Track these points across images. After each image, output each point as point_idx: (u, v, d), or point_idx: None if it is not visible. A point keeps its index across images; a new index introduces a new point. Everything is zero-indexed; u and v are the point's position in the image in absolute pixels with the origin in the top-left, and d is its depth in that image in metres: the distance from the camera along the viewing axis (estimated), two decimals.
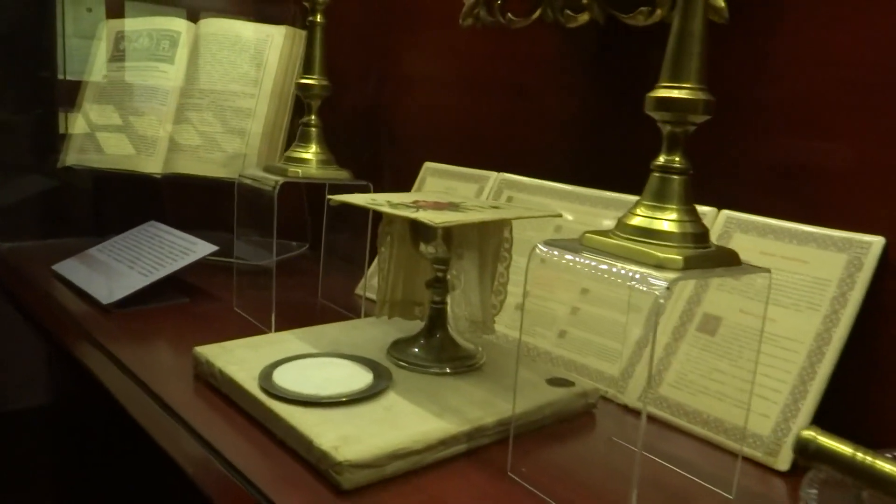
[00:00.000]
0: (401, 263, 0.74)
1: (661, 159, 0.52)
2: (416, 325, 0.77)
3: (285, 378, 0.64)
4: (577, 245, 0.53)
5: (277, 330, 0.83)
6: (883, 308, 0.63)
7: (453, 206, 0.69)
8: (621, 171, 0.87)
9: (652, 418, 0.69)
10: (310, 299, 1.02)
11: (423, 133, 1.14)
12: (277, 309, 0.88)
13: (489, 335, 0.70)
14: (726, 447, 0.64)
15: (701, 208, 0.74)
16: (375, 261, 1.04)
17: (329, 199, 0.71)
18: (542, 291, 0.84)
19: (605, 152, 0.90)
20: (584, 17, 0.78)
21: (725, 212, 0.74)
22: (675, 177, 0.51)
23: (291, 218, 1.31)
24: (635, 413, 0.70)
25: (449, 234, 0.68)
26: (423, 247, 0.70)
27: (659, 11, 0.72)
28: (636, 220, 0.52)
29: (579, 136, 0.92)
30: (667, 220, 0.51)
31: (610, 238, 0.52)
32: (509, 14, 0.85)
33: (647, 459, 0.61)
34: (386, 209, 0.65)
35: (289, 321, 0.85)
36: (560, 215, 0.72)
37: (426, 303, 0.76)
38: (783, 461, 0.61)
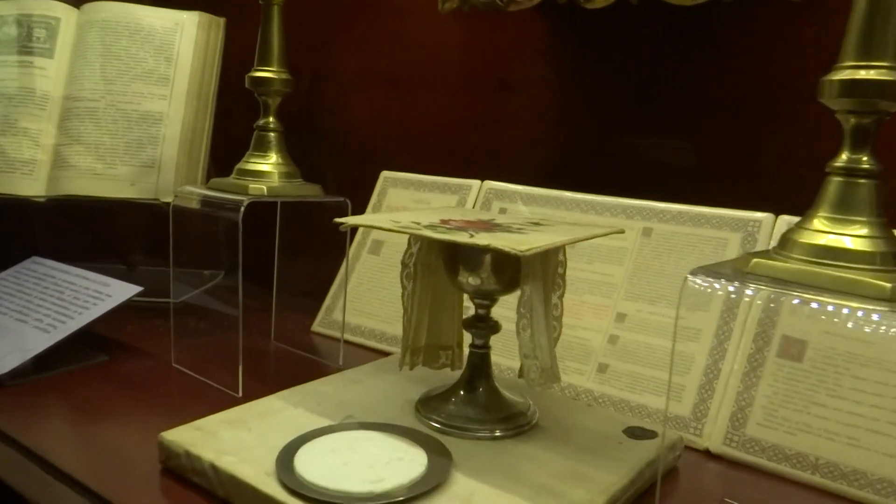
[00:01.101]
0: (425, 300, 0.59)
1: (844, 158, 0.41)
2: (438, 375, 0.62)
3: (313, 469, 0.47)
4: (734, 271, 0.41)
5: (248, 393, 0.65)
6: None
7: (499, 226, 0.55)
8: (628, 175, 0.77)
9: (743, 465, 0.58)
10: (260, 343, 0.83)
11: (377, 139, 0.98)
12: (225, 359, 0.71)
13: (557, 384, 0.56)
14: (850, 496, 0.54)
15: (756, 214, 0.65)
16: (333, 289, 0.88)
17: (340, 224, 0.54)
18: (566, 318, 0.71)
19: (609, 155, 0.79)
20: None
21: (785, 217, 0.65)
22: (863, 181, 0.40)
23: (200, 241, 1.10)
24: (720, 460, 0.59)
25: (500, 263, 0.54)
26: (464, 277, 0.55)
27: None
28: (818, 238, 0.40)
29: (577, 137, 0.81)
30: (851, 236, 0.40)
31: (786, 262, 0.40)
32: None
33: None
34: (431, 234, 0.50)
35: (253, 378, 0.67)
36: (622, 231, 0.60)
37: (455, 346, 0.61)
38: None
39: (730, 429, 0.60)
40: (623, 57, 0.77)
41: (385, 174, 0.92)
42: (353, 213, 0.92)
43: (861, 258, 0.39)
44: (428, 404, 0.58)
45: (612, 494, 0.48)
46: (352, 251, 0.90)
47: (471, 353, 0.59)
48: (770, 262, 0.40)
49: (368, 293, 0.85)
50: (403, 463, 0.49)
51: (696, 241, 0.69)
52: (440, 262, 0.58)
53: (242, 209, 0.64)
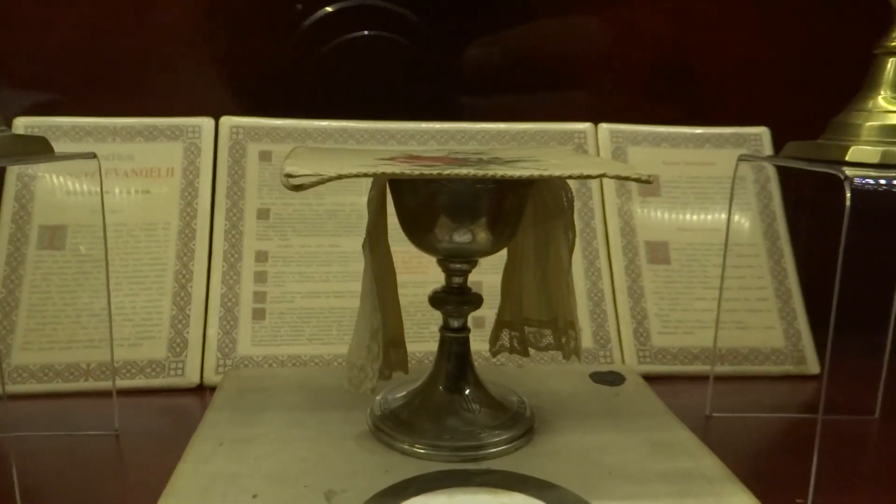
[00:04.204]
0: (369, 281, 0.39)
1: None
2: (320, 395, 0.42)
3: None
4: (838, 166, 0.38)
5: None
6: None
7: (471, 161, 0.39)
8: (423, 96, 0.66)
9: (659, 377, 0.57)
10: None
11: None
12: None
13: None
14: (755, 374, 0.58)
15: (577, 125, 0.63)
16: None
17: (290, 178, 0.30)
18: (413, 277, 0.57)
19: (399, 71, 0.65)
20: None
21: (605, 126, 0.64)
22: None
23: None
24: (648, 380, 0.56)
25: (500, 210, 0.39)
26: (446, 234, 0.38)
27: None
28: (891, 118, 0.39)
29: (350, 46, 0.64)
30: None
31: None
32: None
33: (746, 418, 0.51)
34: (519, 172, 0.32)
35: None
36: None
37: (404, 341, 0.43)
38: (813, 365, 0.58)
39: (638, 346, 0.58)
40: None
41: (23, 122, 0.58)
42: None
43: None
44: (407, 427, 0.40)
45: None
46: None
47: (447, 340, 0.42)
48: (870, 148, 0.38)
49: (66, 310, 0.54)
50: None
51: None
52: (382, 224, 0.39)
53: None
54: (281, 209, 0.59)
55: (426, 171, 0.32)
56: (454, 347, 0.42)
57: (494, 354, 0.45)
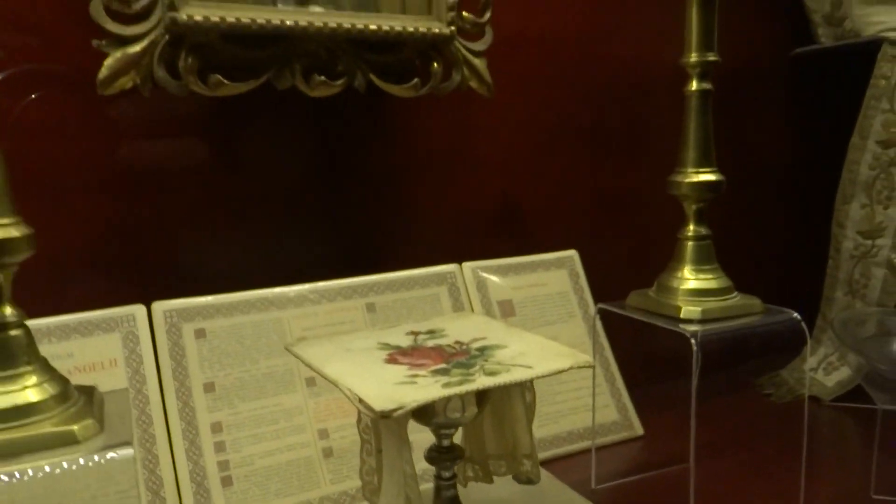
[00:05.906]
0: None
1: (692, 229, 0.62)
2: None
3: None
4: (689, 320, 0.58)
5: None
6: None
7: (450, 351, 0.53)
8: (310, 258, 0.77)
9: (544, 462, 0.74)
10: None
11: None
12: None
13: None
14: (603, 444, 0.78)
15: (447, 267, 0.80)
16: None
17: (382, 413, 0.42)
18: (327, 423, 0.68)
19: (285, 241, 0.75)
20: (339, 85, 0.64)
21: (467, 264, 0.80)
22: (706, 242, 0.63)
23: None
24: None
25: (484, 391, 0.53)
26: (441, 414, 0.51)
27: (431, 83, 0.69)
28: (688, 283, 0.61)
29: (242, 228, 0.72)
30: (708, 279, 0.62)
31: (713, 302, 0.60)
32: (218, 76, 0.59)
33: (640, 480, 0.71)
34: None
35: None
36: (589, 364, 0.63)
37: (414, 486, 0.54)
38: (638, 429, 0.80)
39: None
40: (302, 138, 0.73)
41: None
42: None
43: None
44: None
45: None
46: None
47: (441, 486, 0.54)
48: (710, 305, 0.59)
49: None
50: None
51: (415, 302, 0.76)
52: None
53: None
54: (224, 380, 0.66)
55: (468, 388, 0.45)
56: (448, 492, 0.55)
57: (465, 485, 0.58)
